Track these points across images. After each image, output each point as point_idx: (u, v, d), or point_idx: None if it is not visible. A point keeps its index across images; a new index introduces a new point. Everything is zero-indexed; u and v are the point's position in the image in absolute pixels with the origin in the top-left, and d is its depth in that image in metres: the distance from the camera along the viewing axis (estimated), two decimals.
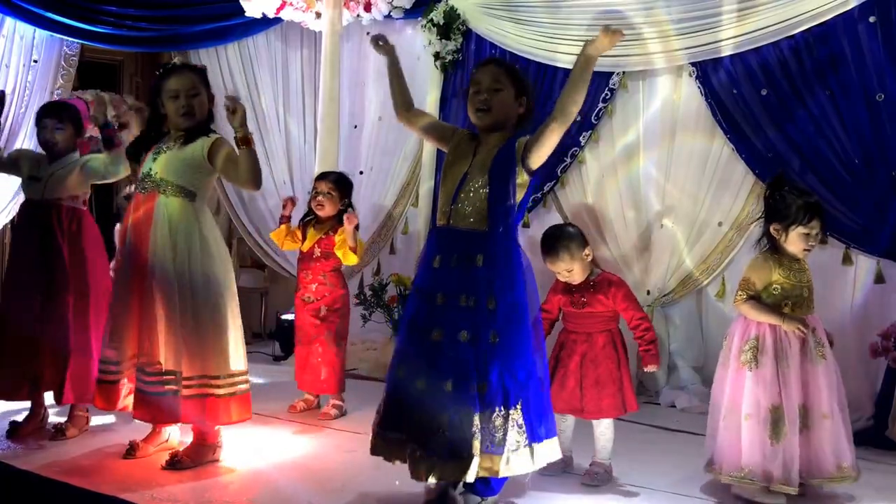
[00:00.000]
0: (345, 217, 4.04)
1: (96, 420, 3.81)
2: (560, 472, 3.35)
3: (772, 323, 3.10)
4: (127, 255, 3.28)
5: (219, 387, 3.21)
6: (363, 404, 4.12)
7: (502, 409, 2.73)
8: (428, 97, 5.30)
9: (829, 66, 4.17)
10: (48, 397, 3.74)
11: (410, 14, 5.36)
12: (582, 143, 4.87)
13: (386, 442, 2.85)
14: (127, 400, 3.31)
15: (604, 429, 3.33)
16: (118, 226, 4.67)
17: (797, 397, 3.05)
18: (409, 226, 5.58)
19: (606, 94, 4.78)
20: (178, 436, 3.51)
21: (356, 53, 5.74)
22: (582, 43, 2.67)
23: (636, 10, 4.56)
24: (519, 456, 2.76)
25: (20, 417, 3.72)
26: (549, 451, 2.86)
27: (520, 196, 2.84)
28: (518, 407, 2.75)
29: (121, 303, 3.29)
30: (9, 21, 5.32)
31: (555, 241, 3.27)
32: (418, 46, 5.39)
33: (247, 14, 5.49)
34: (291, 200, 4.41)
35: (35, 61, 5.47)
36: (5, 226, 5.51)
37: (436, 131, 3.15)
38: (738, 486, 3.12)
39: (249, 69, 6.05)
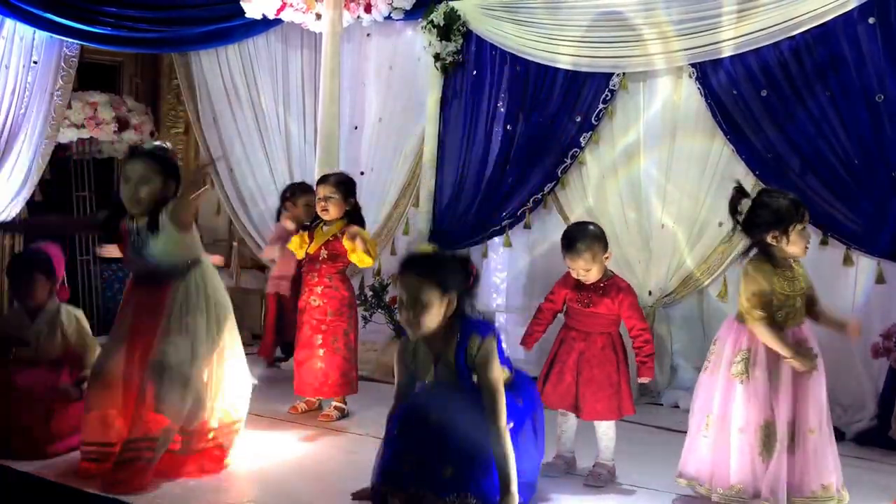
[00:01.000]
0: (344, 239, 4.01)
1: None
2: (563, 473, 3.36)
3: (781, 354, 2.94)
4: None
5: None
6: (364, 406, 4.11)
7: None
8: (428, 98, 5.30)
9: (829, 67, 4.17)
10: None
11: (410, 15, 5.34)
12: (582, 144, 4.86)
13: None
14: None
15: (605, 429, 3.33)
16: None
17: (787, 413, 2.93)
18: (410, 226, 5.58)
19: (607, 95, 4.77)
20: None
21: (356, 54, 5.73)
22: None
23: (636, 11, 4.55)
24: None
25: None
26: None
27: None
28: None
29: None
30: (8, 22, 5.30)
31: (579, 240, 3.25)
32: (418, 47, 5.39)
33: (247, 15, 5.48)
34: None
35: (35, 62, 5.45)
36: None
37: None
38: None
39: (250, 70, 6.04)
